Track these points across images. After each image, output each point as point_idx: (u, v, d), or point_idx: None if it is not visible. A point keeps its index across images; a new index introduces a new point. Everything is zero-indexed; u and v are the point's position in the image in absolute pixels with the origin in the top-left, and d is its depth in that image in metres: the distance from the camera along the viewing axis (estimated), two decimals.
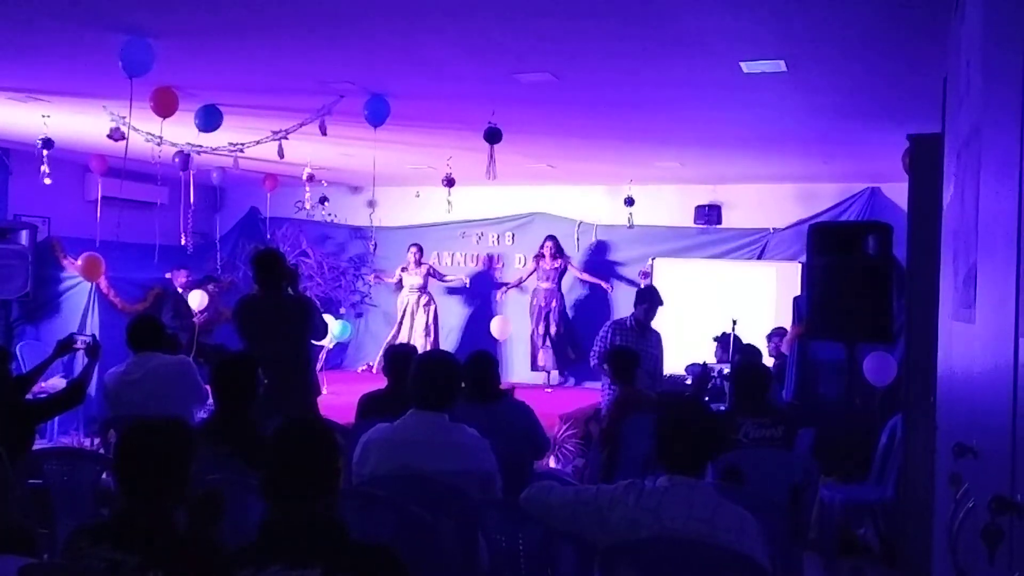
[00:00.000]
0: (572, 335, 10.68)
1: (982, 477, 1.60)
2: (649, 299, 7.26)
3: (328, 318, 8.09)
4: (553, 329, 10.49)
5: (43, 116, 7.23)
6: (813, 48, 4.83)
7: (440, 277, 11.02)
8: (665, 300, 7.39)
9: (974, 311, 1.75)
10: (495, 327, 10.38)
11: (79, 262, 8.61)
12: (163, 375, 4.93)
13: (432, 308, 10.77)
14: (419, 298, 10.71)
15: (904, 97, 5.80)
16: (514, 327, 10.80)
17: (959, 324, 2.04)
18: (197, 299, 9.30)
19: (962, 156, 2.05)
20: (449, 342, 11.00)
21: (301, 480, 2.26)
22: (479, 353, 4.56)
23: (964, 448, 1.69)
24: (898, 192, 8.98)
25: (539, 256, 10.64)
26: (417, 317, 10.65)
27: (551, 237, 10.60)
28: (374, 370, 10.55)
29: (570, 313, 10.82)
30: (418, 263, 10.79)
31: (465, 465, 3.41)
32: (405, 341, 9.85)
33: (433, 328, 10.70)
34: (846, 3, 4.07)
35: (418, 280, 10.75)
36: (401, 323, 10.72)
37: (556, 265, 10.56)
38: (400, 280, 10.91)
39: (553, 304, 10.55)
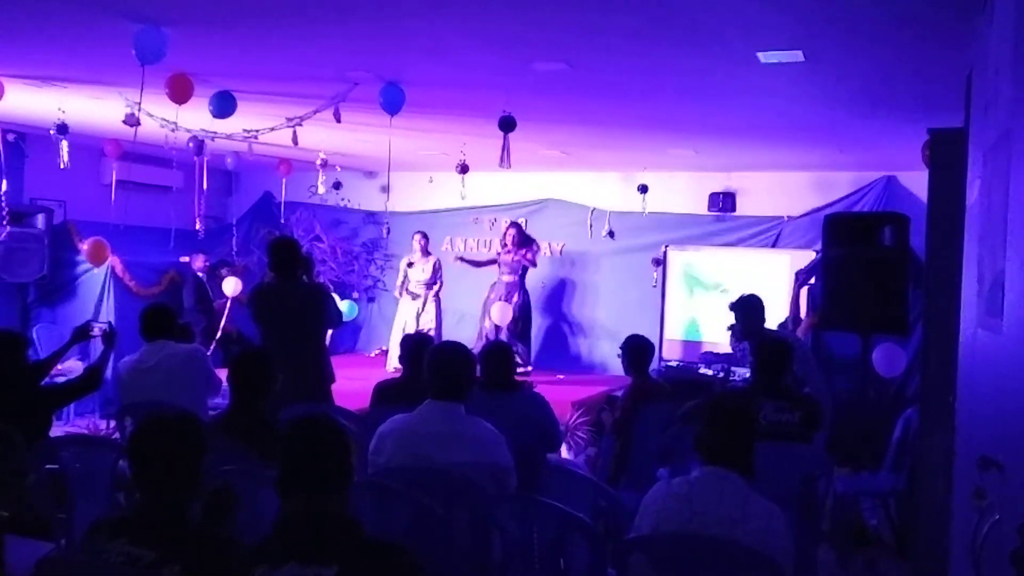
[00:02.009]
0: (526, 337, 10.02)
1: (1008, 493, 1.58)
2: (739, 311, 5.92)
3: (337, 299, 8.08)
4: (511, 326, 9.78)
5: (59, 102, 7.23)
6: (831, 39, 4.77)
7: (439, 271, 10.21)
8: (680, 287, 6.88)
9: (1002, 321, 1.72)
10: (495, 313, 10.05)
11: (85, 247, 8.65)
12: (176, 364, 4.96)
13: (436, 308, 10.11)
14: (423, 300, 10.03)
15: (923, 89, 5.73)
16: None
17: (984, 332, 2.02)
18: (231, 285, 9.35)
19: (989, 161, 2.02)
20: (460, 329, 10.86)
21: (314, 478, 2.27)
22: (496, 343, 4.56)
23: (989, 461, 1.67)
24: (914, 181, 8.92)
25: (502, 245, 10.05)
26: (422, 318, 9.99)
27: (514, 224, 10.14)
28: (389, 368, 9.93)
29: (536, 312, 10.38)
30: (424, 252, 10.16)
31: (480, 458, 3.42)
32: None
33: (436, 324, 10.06)
34: None
35: (425, 275, 10.06)
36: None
37: (518, 257, 9.93)
38: (406, 277, 10.15)
39: (514, 299, 9.87)
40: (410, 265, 10.20)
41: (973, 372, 2.29)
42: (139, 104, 6.27)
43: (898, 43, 4.78)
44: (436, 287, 10.13)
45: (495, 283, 10.12)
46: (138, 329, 5.09)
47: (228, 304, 9.48)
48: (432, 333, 9.76)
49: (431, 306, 10.13)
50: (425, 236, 10.29)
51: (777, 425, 4.73)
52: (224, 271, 9.61)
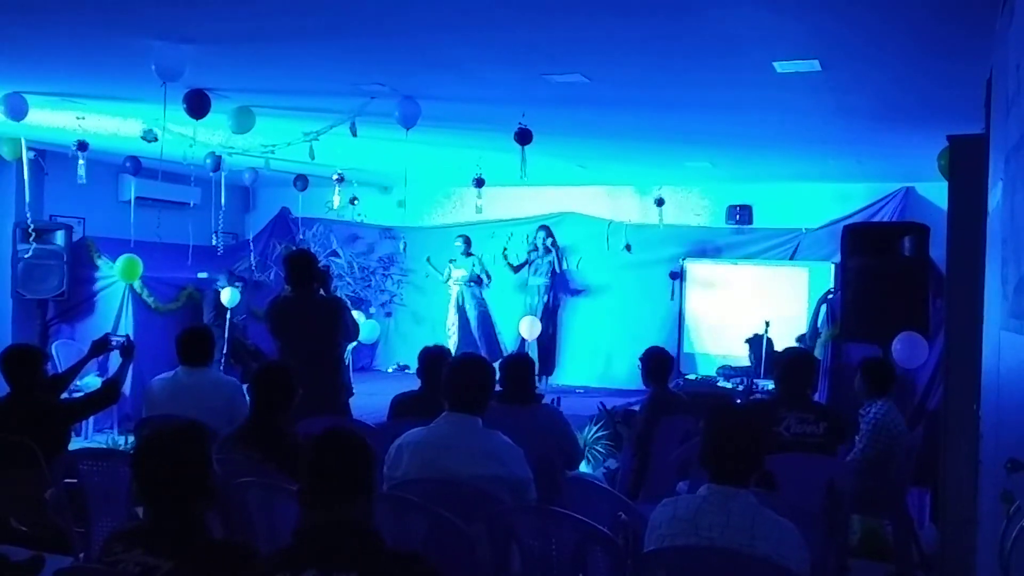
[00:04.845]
0: (555, 342, 10.20)
1: None
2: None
3: (358, 316, 8.11)
4: (543, 329, 10.03)
5: (78, 118, 7.29)
6: (848, 48, 4.75)
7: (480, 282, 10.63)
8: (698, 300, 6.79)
9: None
10: (523, 327, 10.15)
11: (117, 264, 8.72)
12: (209, 393, 4.81)
13: (481, 310, 10.43)
14: (467, 294, 10.38)
15: (941, 96, 5.70)
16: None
17: (1009, 334, 1.99)
18: (227, 296, 9.37)
19: (1011, 161, 2.00)
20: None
21: (337, 489, 2.26)
22: (517, 356, 4.55)
23: (1017, 464, 1.64)
24: (933, 191, 8.86)
25: (532, 248, 10.34)
26: (469, 316, 10.36)
27: (544, 227, 10.37)
28: None
29: (561, 313, 10.56)
30: (466, 254, 10.51)
31: (497, 471, 3.39)
32: (455, 343, 9.73)
33: (481, 331, 10.34)
34: (882, 2, 4.00)
35: (462, 274, 10.43)
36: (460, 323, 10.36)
37: (550, 259, 10.21)
38: (450, 275, 10.54)
39: (547, 301, 10.18)
40: (452, 261, 10.54)
41: (999, 375, 2.25)
42: (158, 121, 6.34)
43: (915, 50, 4.76)
44: (475, 284, 10.41)
45: (527, 287, 10.32)
46: (176, 351, 4.94)
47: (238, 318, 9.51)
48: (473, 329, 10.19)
49: (473, 307, 10.34)
50: (467, 240, 10.52)
51: (801, 437, 4.70)
52: (237, 285, 9.62)
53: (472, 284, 10.43)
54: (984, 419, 2.77)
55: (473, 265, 10.49)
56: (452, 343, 10.12)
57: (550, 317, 10.21)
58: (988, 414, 2.64)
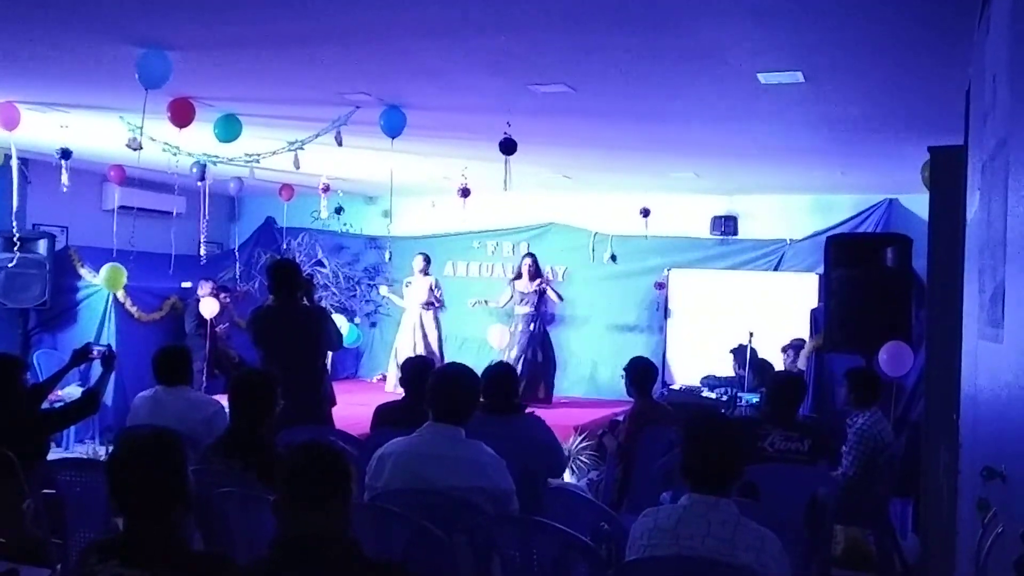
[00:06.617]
0: (547, 369, 9.83)
1: (1012, 503, 1.55)
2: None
3: (339, 319, 8.06)
4: (532, 356, 9.61)
5: (61, 127, 7.25)
6: (831, 59, 4.79)
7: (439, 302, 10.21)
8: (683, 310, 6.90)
9: (1002, 331, 1.71)
10: (493, 336, 10.02)
11: (101, 272, 8.67)
12: (189, 410, 4.75)
13: (435, 329, 10.09)
14: (422, 317, 10.05)
15: (923, 108, 5.75)
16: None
17: (985, 343, 2.00)
18: (208, 307, 9.32)
19: (987, 170, 2.01)
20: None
21: (313, 499, 2.25)
22: (499, 366, 4.55)
23: (993, 472, 1.65)
24: (916, 203, 8.92)
25: (516, 277, 9.97)
26: (426, 335, 9.99)
27: (530, 254, 10.06)
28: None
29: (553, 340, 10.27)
30: (424, 274, 10.20)
31: (480, 481, 3.38)
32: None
33: (438, 348, 10.02)
34: (864, 14, 4.03)
35: (422, 296, 10.12)
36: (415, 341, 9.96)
37: (535, 288, 9.83)
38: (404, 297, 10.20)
39: (532, 328, 9.74)
40: (407, 285, 10.27)
41: (975, 384, 2.27)
42: (142, 129, 6.31)
43: (897, 62, 4.79)
44: (433, 308, 10.10)
45: (514, 316, 9.95)
46: (151, 368, 4.89)
47: (222, 329, 9.47)
48: (435, 354, 9.77)
49: (431, 328, 10.09)
50: (426, 258, 10.28)
51: (785, 453, 4.77)
52: (222, 296, 9.59)
53: (430, 306, 10.08)
54: (963, 428, 2.79)
55: (431, 288, 10.11)
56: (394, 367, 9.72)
57: (540, 344, 9.81)
58: (966, 423, 2.66)
